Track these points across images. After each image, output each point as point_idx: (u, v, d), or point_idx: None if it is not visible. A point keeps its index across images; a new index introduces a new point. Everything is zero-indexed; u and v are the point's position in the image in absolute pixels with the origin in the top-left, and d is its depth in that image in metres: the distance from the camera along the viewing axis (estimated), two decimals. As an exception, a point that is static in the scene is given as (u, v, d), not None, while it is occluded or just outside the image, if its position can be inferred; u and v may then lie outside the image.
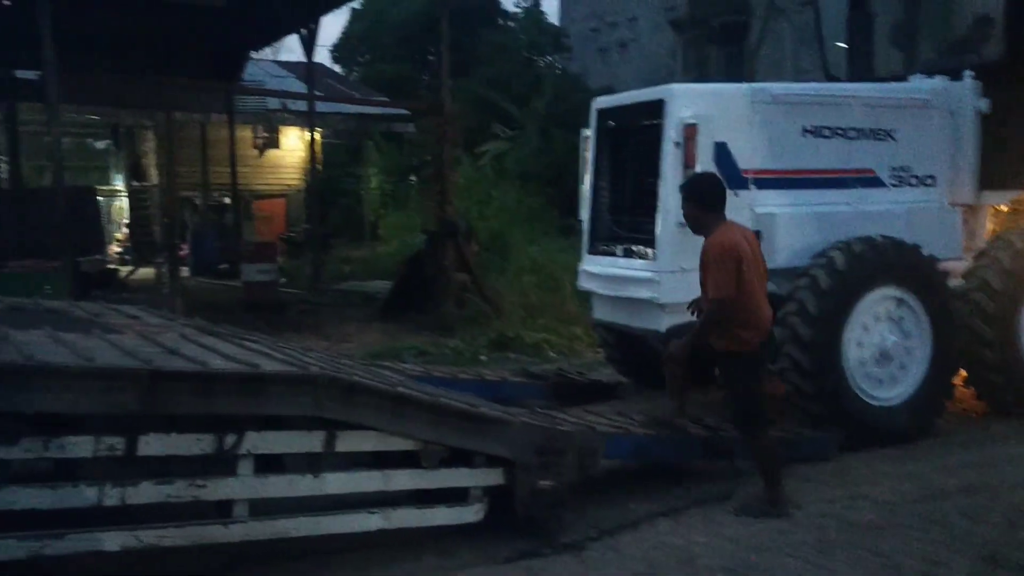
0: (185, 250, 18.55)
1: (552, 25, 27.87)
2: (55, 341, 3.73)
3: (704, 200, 4.32)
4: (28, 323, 4.21)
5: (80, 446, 3.12)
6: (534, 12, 27.01)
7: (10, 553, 3.02)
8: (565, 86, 21.23)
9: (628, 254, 5.69)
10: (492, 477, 3.86)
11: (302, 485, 3.53)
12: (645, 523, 4.09)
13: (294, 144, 23.34)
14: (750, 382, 4.25)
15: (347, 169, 24.04)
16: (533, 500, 3.87)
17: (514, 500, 3.86)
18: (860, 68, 6.88)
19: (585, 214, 6.20)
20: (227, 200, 21.47)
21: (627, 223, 5.76)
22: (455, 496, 3.85)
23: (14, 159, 17.57)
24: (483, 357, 8.22)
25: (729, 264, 4.13)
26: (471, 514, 3.85)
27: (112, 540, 3.16)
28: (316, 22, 14.42)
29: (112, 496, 3.16)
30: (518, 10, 27.70)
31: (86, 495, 3.12)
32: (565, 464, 3.96)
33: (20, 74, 16.61)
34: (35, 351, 3.32)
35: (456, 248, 10.19)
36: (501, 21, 27.59)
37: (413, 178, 21.95)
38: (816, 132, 5.59)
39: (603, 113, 6.05)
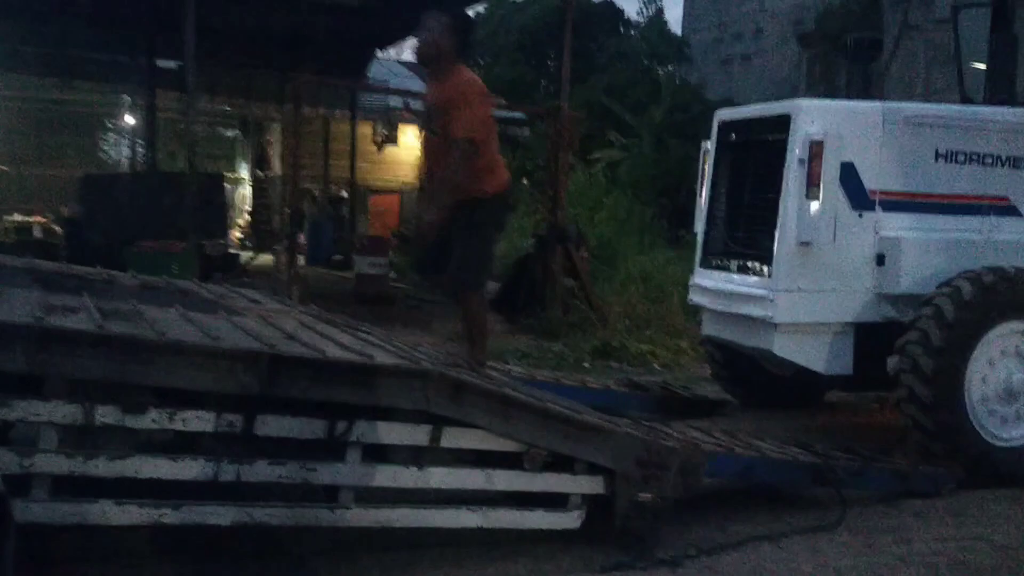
0: (303, 240, 19.18)
1: (674, 34, 27.62)
2: (184, 319, 3.92)
3: (462, 37, 4.30)
4: (160, 301, 4.44)
5: (202, 421, 3.26)
6: (657, 21, 26.83)
7: (132, 518, 3.20)
8: (684, 96, 21.01)
9: (743, 270, 5.59)
10: (593, 485, 3.84)
11: (406, 477, 3.60)
12: (746, 546, 4.00)
13: (412, 142, 23.81)
14: (488, 232, 4.20)
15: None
16: (632, 512, 3.84)
17: (613, 510, 3.84)
18: (999, 91, 6.56)
19: (700, 227, 6.12)
20: (344, 194, 22.10)
21: (743, 239, 5.65)
22: (555, 501, 3.85)
23: (151, 144, 18.54)
24: (586, 364, 8.21)
25: (482, 104, 4.12)
26: (569, 520, 3.85)
27: (225, 514, 3.29)
28: (442, 24, 14.67)
29: (228, 472, 3.29)
30: (640, 19, 27.56)
31: (205, 469, 3.27)
32: (667, 478, 3.91)
33: (160, 63, 17.53)
34: (167, 328, 3.50)
35: (565, 253, 10.21)
36: (623, 29, 27.48)
37: (525, 181, 22.09)
38: (949, 156, 5.37)
39: (725, 125, 5.96)
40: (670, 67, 25.48)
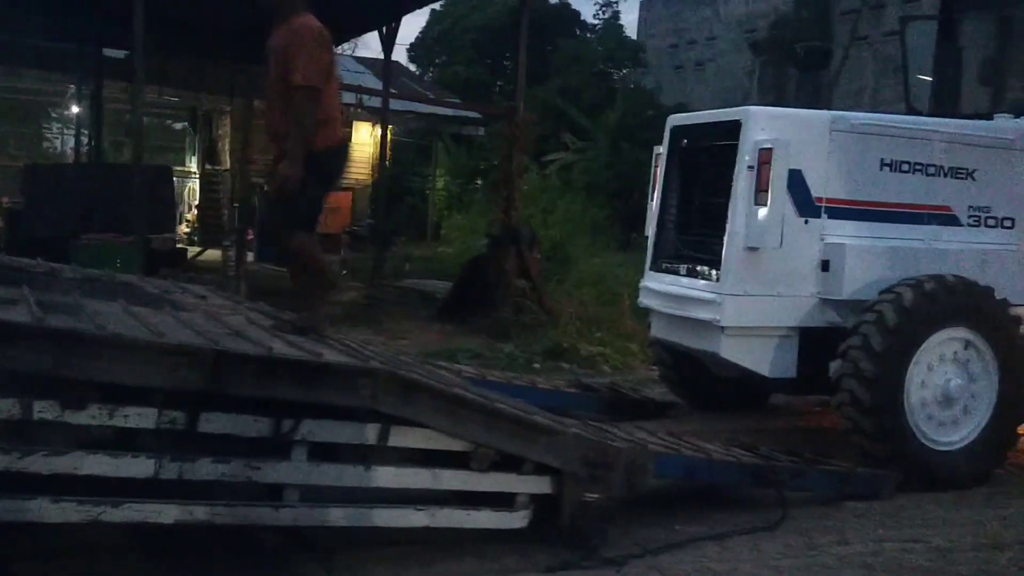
0: (252, 235, 18.93)
1: (630, 39, 27.85)
2: (127, 314, 3.85)
3: None
4: (103, 294, 4.34)
5: (144, 418, 3.20)
6: (613, 25, 27.04)
7: (68, 516, 3.12)
8: (638, 101, 21.20)
9: (691, 274, 5.65)
10: (540, 485, 3.86)
11: (352, 476, 3.57)
12: (690, 545, 4.04)
13: (364, 139, 23.66)
14: (312, 188, 4.23)
15: (415, 168, 24.31)
16: (579, 512, 3.87)
17: (560, 510, 3.85)
18: (944, 103, 6.73)
19: (651, 230, 6.18)
20: (295, 190, 21.85)
21: (693, 242, 5.72)
22: (502, 501, 3.85)
23: (97, 135, 18.13)
24: (536, 365, 8.23)
25: (323, 53, 4.09)
26: (516, 520, 3.86)
27: (167, 513, 3.23)
28: (398, 21, 14.61)
29: (170, 469, 3.24)
30: (597, 22, 27.74)
31: (145, 466, 3.20)
32: (613, 479, 3.94)
33: (108, 52, 17.15)
34: (108, 322, 3.43)
35: (518, 254, 10.22)
36: (579, 32, 27.63)
37: (479, 181, 22.10)
38: (894, 165, 5.49)
39: (677, 131, 6.03)
40: (625, 71, 25.69)
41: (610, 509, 3.97)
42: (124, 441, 3.27)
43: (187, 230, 22.17)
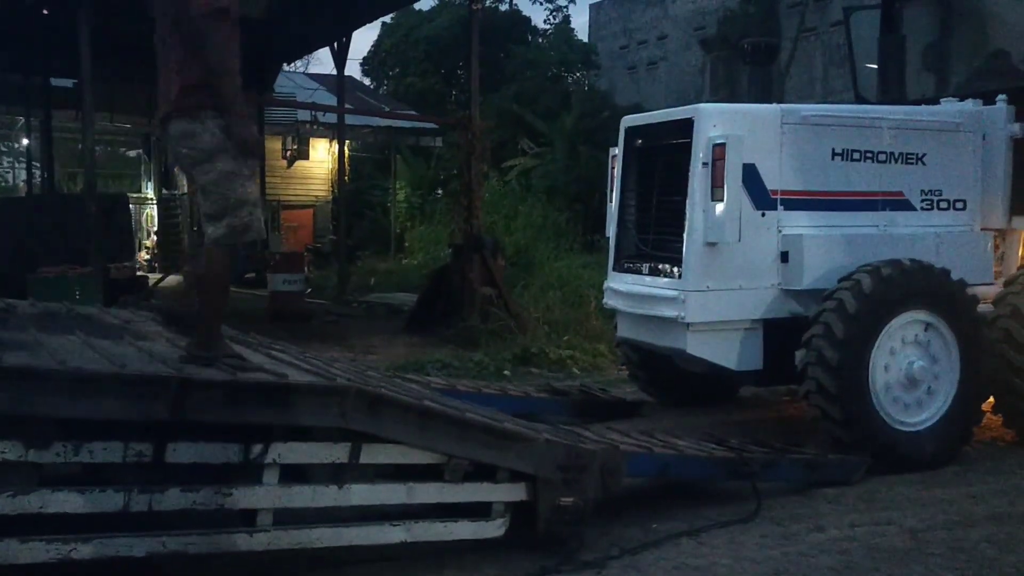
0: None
1: (582, 42, 28.01)
2: (87, 347, 3.79)
3: None
4: (61, 328, 4.27)
5: (109, 451, 3.15)
6: (564, 29, 27.20)
7: (37, 556, 3.06)
8: (593, 103, 21.32)
9: (654, 272, 5.69)
10: (515, 493, 3.85)
11: (326, 496, 3.54)
12: (667, 543, 4.06)
13: (322, 156, 23.57)
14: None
15: (374, 182, 24.24)
16: (555, 517, 3.87)
17: (536, 516, 3.86)
18: (891, 90, 6.85)
19: (611, 231, 6.21)
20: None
21: (653, 241, 5.76)
22: (478, 511, 3.85)
23: (48, 166, 17.88)
24: (507, 372, 8.25)
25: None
26: (493, 529, 3.85)
27: (139, 546, 3.18)
28: (348, 36, 14.59)
29: (139, 502, 3.19)
30: (548, 27, 27.88)
31: (114, 500, 3.16)
32: (587, 481, 3.95)
33: (55, 82, 16.92)
34: (68, 357, 3.38)
35: (482, 262, 10.24)
36: (531, 38, 27.75)
37: (440, 192, 22.08)
38: (845, 154, 5.58)
39: (632, 131, 6.07)
40: (579, 74, 25.83)
41: (586, 512, 3.97)
42: (91, 476, 3.22)
43: (147, 257, 21.92)
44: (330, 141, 22.24)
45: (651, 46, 28.00)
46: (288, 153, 23.22)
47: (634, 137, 6.05)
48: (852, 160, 5.59)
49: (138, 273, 15.60)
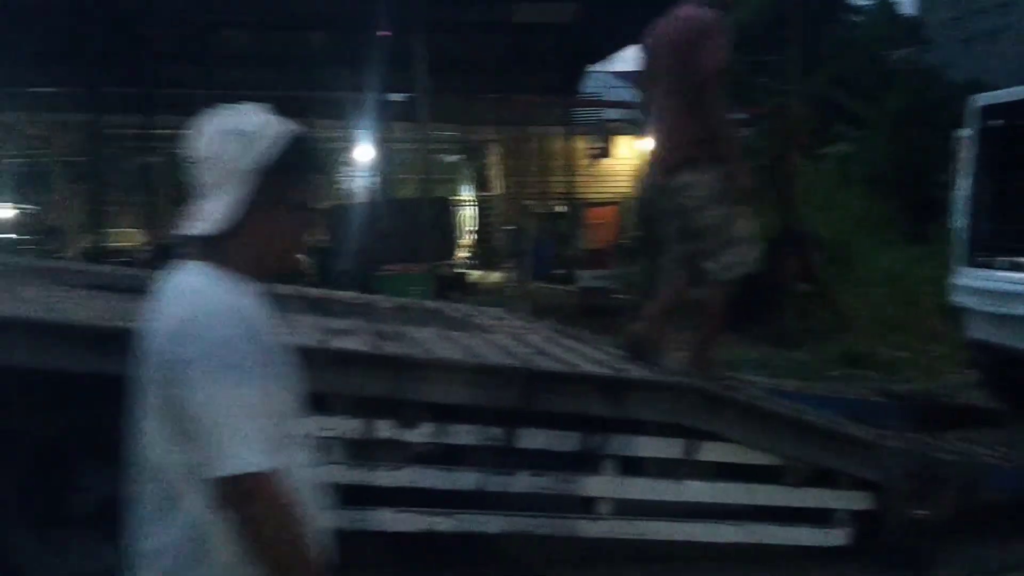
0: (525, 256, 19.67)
1: (906, 16, 25.85)
2: (444, 338, 4.13)
3: None
4: (416, 321, 4.70)
5: (468, 434, 3.41)
6: (886, 3, 25.24)
7: (407, 526, 3.39)
8: (921, 82, 19.57)
9: (1015, 267, 5.11)
10: (859, 501, 3.66)
11: (663, 489, 3.59)
12: (1034, 569, 3.65)
13: (626, 153, 23.82)
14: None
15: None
16: (905, 530, 3.62)
17: (882, 528, 3.63)
18: None
19: (961, 221, 5.66)
20: (561, 209, 22.45)
21: (1016, 232, 5.17)
22: (818, 517, 3.70)
23: (385, 174, 19.74)
24: (832, 373, 7.81)
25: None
26: (835, 538, 3.69)
27: (494, 523, 3.42)
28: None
29: (494, 483, 3.43)
30: (866, 2, 26.04)
31: (472, 479, 3.42)
32: (942, 494, 3.66)
33: (391, 97, 18.62)
34: (432, 347, 3.70)
35: (800, 257, 9.79)
36: (845, 16, 26.10)
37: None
38: None
39: (987, 111, 5.49)
40: (904, 51, 23.81)
41: (939, 527, 3.66)
42: (449, 456, 3.51)
43: (465, 255, 23.46)
44: (634, 138, 22.41)
45: (991, 15, 25.16)
46: (592, 152, 23.74)
47: (989, 117, 5.47)
48: None
49: (459, 270, 16.75)
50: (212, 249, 1.51)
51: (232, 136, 1.49)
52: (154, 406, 1.48)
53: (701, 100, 3.79)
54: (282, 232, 1.56)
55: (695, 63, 3.77)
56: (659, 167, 4.06)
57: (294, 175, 1.55)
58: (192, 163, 1.53)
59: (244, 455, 1.40)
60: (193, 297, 1.47)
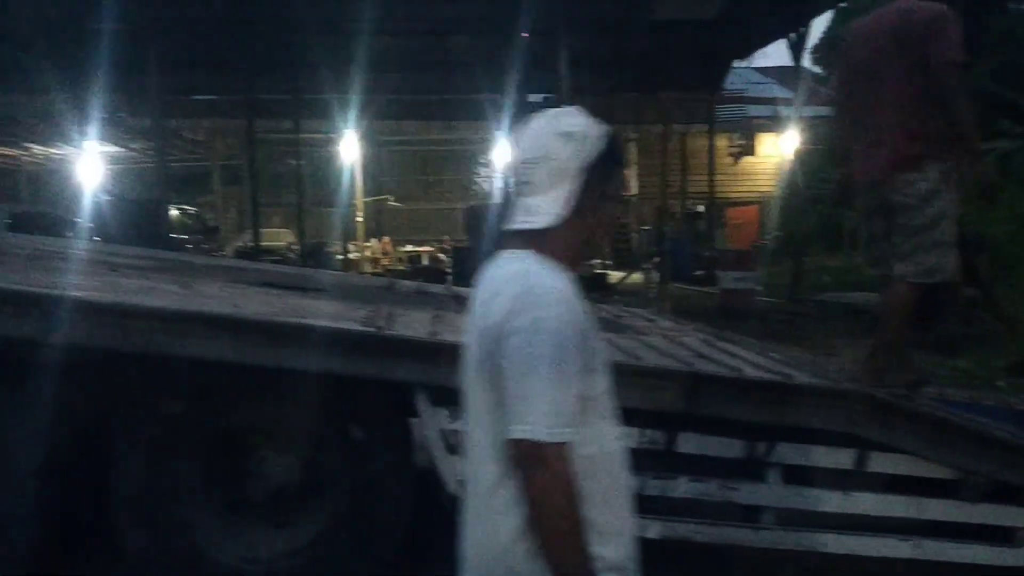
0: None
1: (1076, 4, 24.01)
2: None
3: None
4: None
5: (627, 437, 3.38)
6: (1053, -9, 23.54)
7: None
8: (1096, 73, 18.18)
9: None
10: (1045, 520, 3.43)
11: (831, 501, 3.47)
12: None
13: (769, 150, 23.17)
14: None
15: (823, 174, 23.23)
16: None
17: (1072, 550, 3.39)
18: None
19: None
20: (700, 208, 22.05)
21: None
22: (997, 534, 3.49)
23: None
24: (1000, 383, 7.35)
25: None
26: (1016, 557, 3.47)
27: (653, 527, 3.39)
28: (807, 26, 14.14)
29: (654, 487, 3.39)
30: (1031, -11, 24.35)
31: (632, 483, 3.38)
32: None
33: (530, 98, 18.76)
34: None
35: (964, 259, 9.25)
36: (1009, 4, 24.48)
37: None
38: None
39: None
40: (1075, 40, 22.15)
41: None
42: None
43: (604, 256, 23.36)
44: (777, 135, 21.78)
45: None
46: (734, 149, 23.24)
47: None
48: None
49: (597, 271, 16.71)
50: (535, 240, 1.65)
51: (562, 137, 1.66)
52: (483, 398, 1.60)
53: (934, 94, 3.63)
54: (599, 222, 1.72)
55: (930, 56, 3.62)
56: (879, 164, 3.84)
57: (609, 170, 1.71)
58: (520, 163, 1.68)
59: (543, 422, 1.49)
60: (526, 278, 1.60)
